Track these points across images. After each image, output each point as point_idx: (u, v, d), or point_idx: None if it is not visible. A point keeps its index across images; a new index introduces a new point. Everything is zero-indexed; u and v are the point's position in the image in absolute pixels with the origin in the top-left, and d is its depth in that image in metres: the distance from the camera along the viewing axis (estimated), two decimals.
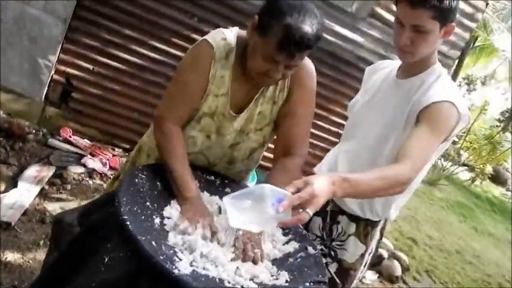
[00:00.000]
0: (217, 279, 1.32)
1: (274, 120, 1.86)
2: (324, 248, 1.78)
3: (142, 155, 2.00)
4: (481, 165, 11.57)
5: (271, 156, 1.90)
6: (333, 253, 2.04)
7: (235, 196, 1.37)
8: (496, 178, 15.20)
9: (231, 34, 1.74)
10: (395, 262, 4.85)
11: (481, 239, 8.31)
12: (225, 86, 1.74)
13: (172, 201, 1.57)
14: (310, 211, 1.30)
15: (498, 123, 14.22)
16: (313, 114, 1.94)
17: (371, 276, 4.45)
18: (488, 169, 11.97)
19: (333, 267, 2.02)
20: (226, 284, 1.31)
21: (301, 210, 1.30)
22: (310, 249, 1.65)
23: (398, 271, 4.79)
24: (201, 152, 1.83)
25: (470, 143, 10.54)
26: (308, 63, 1.83)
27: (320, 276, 1.51)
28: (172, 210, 1.53)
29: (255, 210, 1.33)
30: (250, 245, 1.49)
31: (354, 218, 2.02)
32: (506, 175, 17.07)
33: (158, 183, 1.61)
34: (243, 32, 1.75)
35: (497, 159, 12.31)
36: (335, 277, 1.78)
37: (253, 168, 2.03)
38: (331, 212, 2.06)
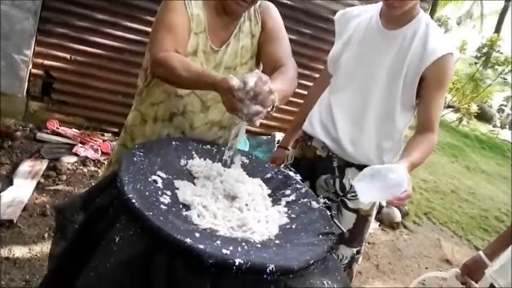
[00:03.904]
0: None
1: (255, 54, 1.95)
2: (328, 201, 1.80)
3: (129, 137, 2.02)
4: (466, 105, 11.65)
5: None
6: (349, 205, 2.13)
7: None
8: (482, 116, 15.38)
9: None
10: (394, 209, 4.93)
11: (474, 176, 8.46)
12: (201, 23, 1.80)
13: (175, 175, 1.58)
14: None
15: (477, 60, 14.26)
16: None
17: (373, 224, 4.53)
18: (474, 108, 12.07)
19: (351, 218, 2.13)
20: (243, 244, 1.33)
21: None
22: (314, 204, 1.68)
23: (398, 217, 4.89)
24: (194, 93, 1.85)
25: (453, 83, 10.57)
26: (272, 6, 1.96)
27: (327, 228, 1.54)
28: (177, 181, 1.55)
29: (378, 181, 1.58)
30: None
31: (362, 168, 2.03)
32: (491, 112, 17.28)
33: (157, 158, 1.62)
34: None
35: (481, 97, 12.41)
36: (341, 228, 1.81)
37: None
38: (338, 167, 2.11)
